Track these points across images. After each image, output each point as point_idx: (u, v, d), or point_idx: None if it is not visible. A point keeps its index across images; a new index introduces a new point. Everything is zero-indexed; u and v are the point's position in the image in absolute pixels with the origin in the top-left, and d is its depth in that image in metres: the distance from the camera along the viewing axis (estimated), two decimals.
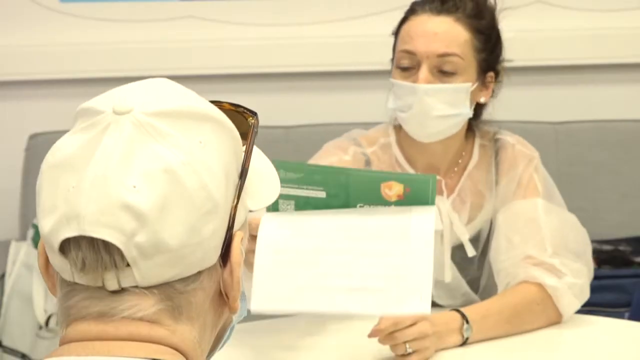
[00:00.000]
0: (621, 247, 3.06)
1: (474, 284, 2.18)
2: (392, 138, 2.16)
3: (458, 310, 1.98)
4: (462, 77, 2.04)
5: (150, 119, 0.94)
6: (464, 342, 1.95)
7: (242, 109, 1.04)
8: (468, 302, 2.09)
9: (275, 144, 3.15)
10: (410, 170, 2.13)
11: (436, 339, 1.91)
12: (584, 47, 3.26)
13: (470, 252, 2.12)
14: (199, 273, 0.95)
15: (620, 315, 2.64)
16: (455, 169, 2.15)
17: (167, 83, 1.01)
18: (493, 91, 2.14)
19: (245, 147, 1.01)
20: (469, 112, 2.07)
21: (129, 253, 0.91)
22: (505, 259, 2.06)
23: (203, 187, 0.93)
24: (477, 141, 2.17)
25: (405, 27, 2.09)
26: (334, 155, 2.13)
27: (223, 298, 0.99)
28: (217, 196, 0.94)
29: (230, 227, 0.97)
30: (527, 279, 2.02)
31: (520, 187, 2.11)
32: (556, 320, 2.04)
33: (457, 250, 2.13)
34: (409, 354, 1.86)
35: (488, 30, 2.08)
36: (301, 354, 1.95)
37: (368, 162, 2.14)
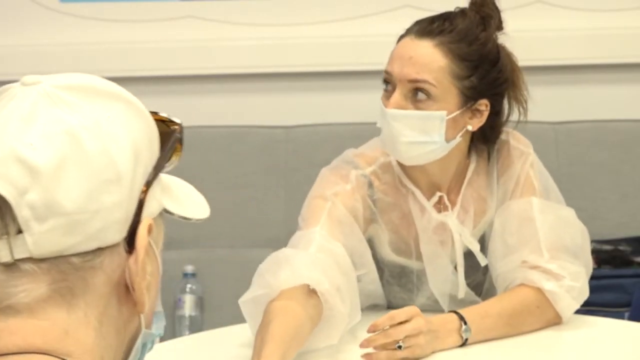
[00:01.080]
0: (621, 247, 3.06)
1: (477, 289, 2.17)
2: (393, 157, 2.10)
3: (455, 312, 1.97)
4: (437, 105, 1.98)
5: (58, 90, 0.92)
6: (464, 344, 1.95)
7: (166, 117, 1.02)
8: None
9: (275, 144, 3.16)
10: (415, 190, 2.11)
11: (432, 339, 1.90)
12: (584, 47, 3.27)
13: (483, 261, 2.10)
14: (100, 250, 0.91)
15: (620, 315, 2.64)
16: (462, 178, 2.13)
17: (90, 75, 0.98)
18: (498, 118, 2.07)
19: (165, 148, 0.99)
20: (442, 141, 2.00)
21: (21, 212, 0.88)
22: (502, 265, 2.05)
23: (105, 153, 0.90)
24: (474, 146, 2.13)
25: (395, 46, 2.05)
26: (336, 184, 2.07)
27: (130, 293, 0.94)
28: (122, 167, 0.91)
29: (137, 211, 0.94)
30: (525, 282, 2.02)
31: (518, 186, 2.09)
32: (555, 321, 2.03)
33: (464, 258, 2.11)
34: (400, 349, 1.86)
35: (474, 57, 2.00)
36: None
37: (370, 184, 2.11)
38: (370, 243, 2.11)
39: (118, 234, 0.92)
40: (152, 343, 1.02)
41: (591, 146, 3.14)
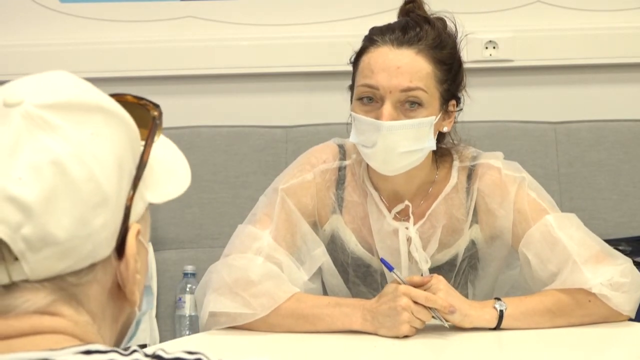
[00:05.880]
0: (621, 247, 3.06)
1: None
2: (379, 170, 2.07)
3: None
4: (426, 111, 1.99)
5: (40, 111, 0.93)
6: (499, 323, 1.97)
7: (144, 101, 1.04)
8: None
9: (275, 144, 3.16)
10: (374, 193, 2.11)
11: (460, 302, 1.94)
12: (584, 47, 3.27)
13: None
14: (92, 266, 0.95)
15: None
16: (430, 191, 2.12)
17: (63, 75, 0.99)
18: (455, 118, 2.10)
19: (145, 139, 1.01)
20: (432, 145, 2.02)
21: (16, 246, 0.90)
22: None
23: (91, 178, 0.93)
24: (456, 164, 2.13)
25: (365, 58, 2.03)
26: (299, 173, 2.13)
27: (123, 291, 0.98)
28: (108, 188, 0.94)
29: (125, 220, 0.96)
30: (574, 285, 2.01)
31: (523, 214, 2.08)
32: (616, 317, 2.02)
33: (434, 273, 2.10)
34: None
35: (450, 60, 2.03)
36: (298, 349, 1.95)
37: (342, 180, 2.13)
38: (336, 236, 2.12)
39: (108, 248, 0.96)
40: (144, 315, 1.06)
41: (591, 146, 3.14)
